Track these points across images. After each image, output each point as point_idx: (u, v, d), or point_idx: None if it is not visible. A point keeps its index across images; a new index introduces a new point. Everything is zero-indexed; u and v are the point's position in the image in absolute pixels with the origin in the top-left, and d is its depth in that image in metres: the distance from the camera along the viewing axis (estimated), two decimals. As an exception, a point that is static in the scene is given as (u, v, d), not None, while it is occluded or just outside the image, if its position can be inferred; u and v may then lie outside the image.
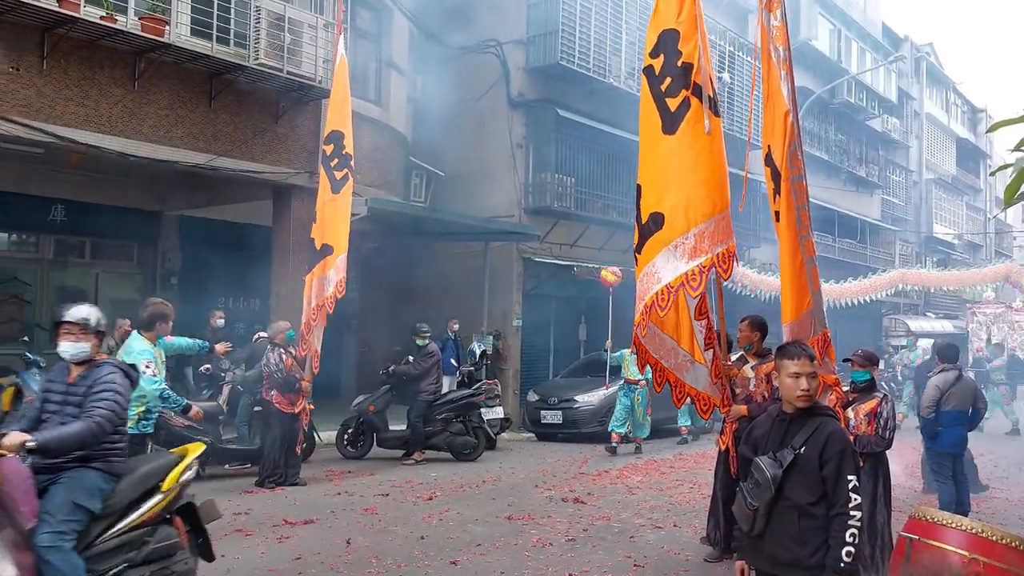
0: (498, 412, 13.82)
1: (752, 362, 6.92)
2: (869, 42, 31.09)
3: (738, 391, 6.74)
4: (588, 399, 14.62)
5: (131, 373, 4.86)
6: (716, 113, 5.85)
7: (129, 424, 6.53)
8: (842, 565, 3.48)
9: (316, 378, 10.14)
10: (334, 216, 9.81)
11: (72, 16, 9.98)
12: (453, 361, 15.27)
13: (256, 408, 10.51)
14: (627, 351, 12.36)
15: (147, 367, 6.76)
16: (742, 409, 6.47)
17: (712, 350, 6.30)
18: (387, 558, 6.79)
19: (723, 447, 6.76)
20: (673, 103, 5.83)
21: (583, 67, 17.30)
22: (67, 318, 4.80)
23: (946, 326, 30.45)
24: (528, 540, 7.46)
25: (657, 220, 5.77)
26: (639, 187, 6.03)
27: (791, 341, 4.40)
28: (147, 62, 11.22)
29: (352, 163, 10.01)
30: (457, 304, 16.79)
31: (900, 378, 19.08)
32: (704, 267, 5.55)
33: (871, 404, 6.48)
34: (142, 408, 6.84)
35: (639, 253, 5.90)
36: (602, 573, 6.57)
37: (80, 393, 4.61)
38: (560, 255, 17.88)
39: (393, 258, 17.76)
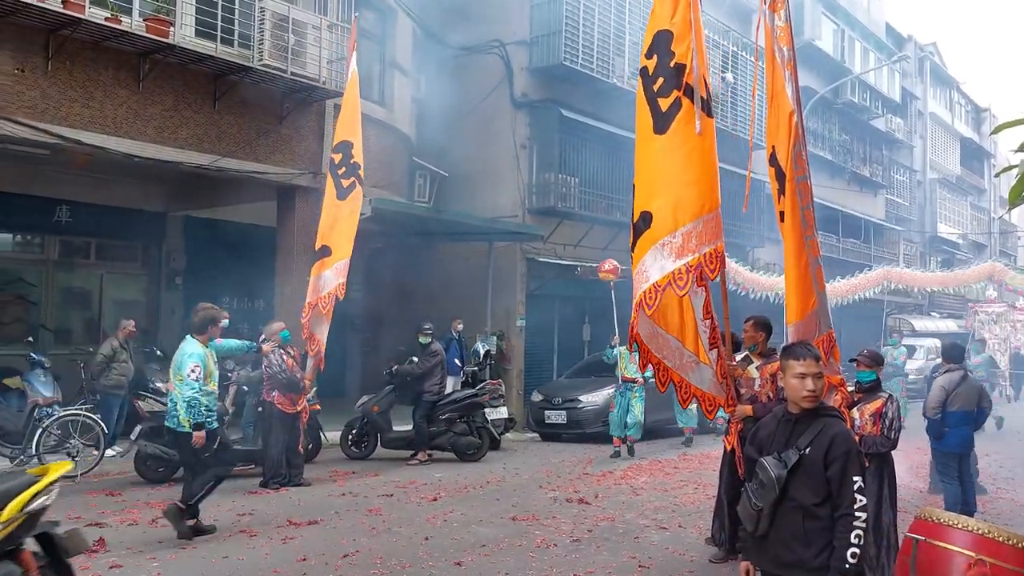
0: (502, 412, 13.82)
1: (757, 362, 6.92)
2: (873, 42, 31.06)
3: (743, 391, 6.74)
4: (592, 399, 14.60)
5: None
6: (709, 114, 5.83)
7: (191, 422, 7.25)
8: (847, 566, 3.47)
9: (320, 378, 10.15)
10: (338, 221, 9.95)
11: (77, 18, 10.00)
12: (457, 361, 15.26)
13: (258, 409, 10.53)
14: (623, 348, 12.14)
15: (192, 371, 7.26)
16: (747, 409, 6.46)
17: (716, 350, 6.29)
18: (391, 559, 6.80)
19: (728, 447, 6.75)
20: (665, 103, 5.84)
21: (587, 67, 17.31)
22: None
23: (950, 325, 30.37)
24: (533, 541, 7.46)
25: (646, 219, 5.79)
26: (634, 187, 6.07)
27: (797, 342, 4.39)
28: (151, 63, 11.24)
29: (360, 172, 10.12)
30: (461, 304, 16.79)
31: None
32: (691, 266, 5.55)
33: (876, 404, 6.47)
34: (203, 407, 7.37)
35: (633, 252, 5.94)
36: (607, 574, 6.57)
37: None
38: (564, 255, 17.88)
39: (397, 258, 17.77)
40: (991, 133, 14.11)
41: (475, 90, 17.62)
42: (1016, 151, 4.66)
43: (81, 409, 10.41)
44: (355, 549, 7.07)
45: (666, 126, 5.82)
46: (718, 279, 5.97)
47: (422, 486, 10.02)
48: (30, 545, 4.47)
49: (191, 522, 7.32)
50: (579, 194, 17.96)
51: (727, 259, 6.01)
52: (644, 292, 5.68)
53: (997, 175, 6.15)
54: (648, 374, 8.62)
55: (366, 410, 11.99)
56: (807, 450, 3.66)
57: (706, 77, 5.83)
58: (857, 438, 5.79)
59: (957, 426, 8.38)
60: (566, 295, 18.45)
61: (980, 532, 4.34)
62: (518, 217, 17.14)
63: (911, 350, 27.31)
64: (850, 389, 6.53)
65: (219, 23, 11.42)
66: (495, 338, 16.67)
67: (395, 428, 12.22)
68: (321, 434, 11.66)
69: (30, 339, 13.15)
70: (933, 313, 33.00)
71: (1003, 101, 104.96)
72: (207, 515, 8.21)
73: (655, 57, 5.94)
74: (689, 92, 5.76)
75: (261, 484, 9.69)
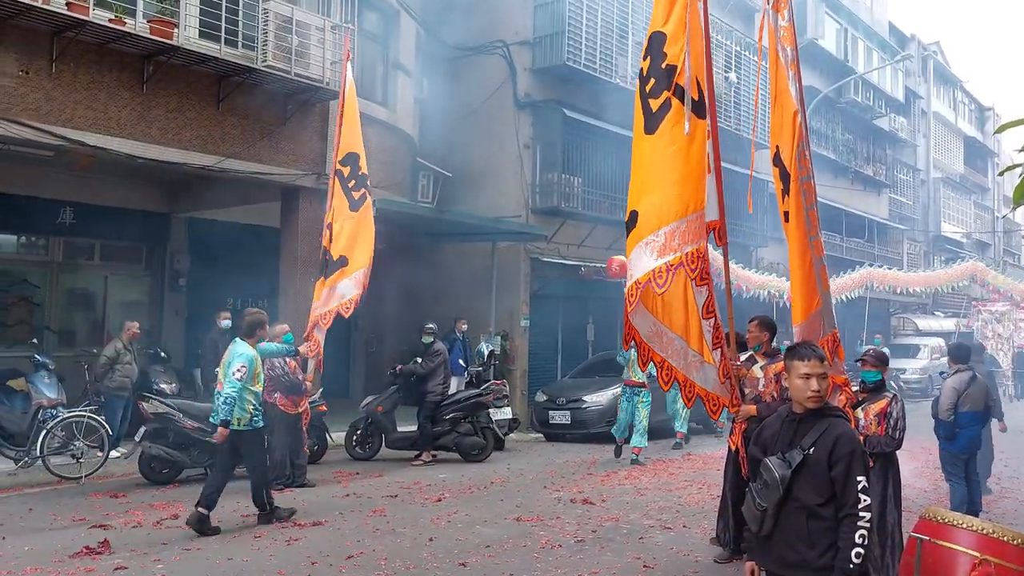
0: (506, 413, 13.82)
1: (761, 362, 6.92)
2: (876, 41, 31.02)
3: (747, 391, 6.74)
4: (597, 399, 14.59)
5: None
6: (701, 116, 5.81)
7: (243, 421, 7.69)
8: (851, 566, 3.47)
9: (324, 380, 10.15)
10: (357, 232, 9.97)
11: (81, 19, 10.03)
12: (461, 362, 15.27)
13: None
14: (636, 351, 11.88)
15: (238, 371, 7.64)
16: (751, 409, 6.46)
17: (720, 350, 6.29)
18: (395, 560, 6.80)
19: (733, 447, 6.75)
20: (655, 104, 5.86)
21: (590, 68, 17.32)
22: None
23: (954, 325, 30.34)
24: (537, 542, 7.46)
25: (634, 218, 5.83)
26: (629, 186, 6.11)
27: (801, 342, 4.38)
28: (155, 65, 11.26)
29: (369, 183, 10.17)
30: (464, 305, 16.81)
31: None
32: (672, 265, 5.55)
33: (881, 404, 6.46)
34: (252, 405, 7.79)
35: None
36: (611, 575, 6.57)
37: None
38: (567, 255, 17.88)
39: (401, 259, 17.75)
40: (995, 132, 14.06)
41: (478, 90, 17.64)
42: (1020, 150, 4.65)
43: (85, 411, 10.42)
44: (359, 550, 7.08)
45: (655, 126, 5.84)
46: (722, 281, 5.98)
47: (426, 487, 10.03)
48: None
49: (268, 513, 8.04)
50: (582, 194, 17.97)
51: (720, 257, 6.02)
52: (627, 289, 5.73)
53: (1001, 174, 6.11)
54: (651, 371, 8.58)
55: (370, 411, 12.00)
56: (811, 450, 3.65)
57: (700, 79, 5.80)
58: (861, 438, 5.80)
59: (968, 426, 8.38)
60: (570, 295, 18.45)
61: (985, 532, 4.33)
62: (522, 217, 17.14)
63: (914, 349, 27.34)
64: (855, 389, 6.53)
65: (223, 24, 11.42)
66: (499, 338, 16.67)
67: (400, 429, 12.22)
68: (327, 435, 11.67)
69: (34, 341, 13.17)
70: (937, 312, 32.97)
71: (1007, 100, 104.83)
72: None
73: (649, 59, 5.97)
74: (679, 93, 5.75)
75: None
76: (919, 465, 11.45)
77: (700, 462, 12.22)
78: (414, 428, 12.06)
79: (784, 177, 5.81)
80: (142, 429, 9.91)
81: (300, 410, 9.98)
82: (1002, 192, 45.36)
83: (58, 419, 10.02)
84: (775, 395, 6.59)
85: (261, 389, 8.06)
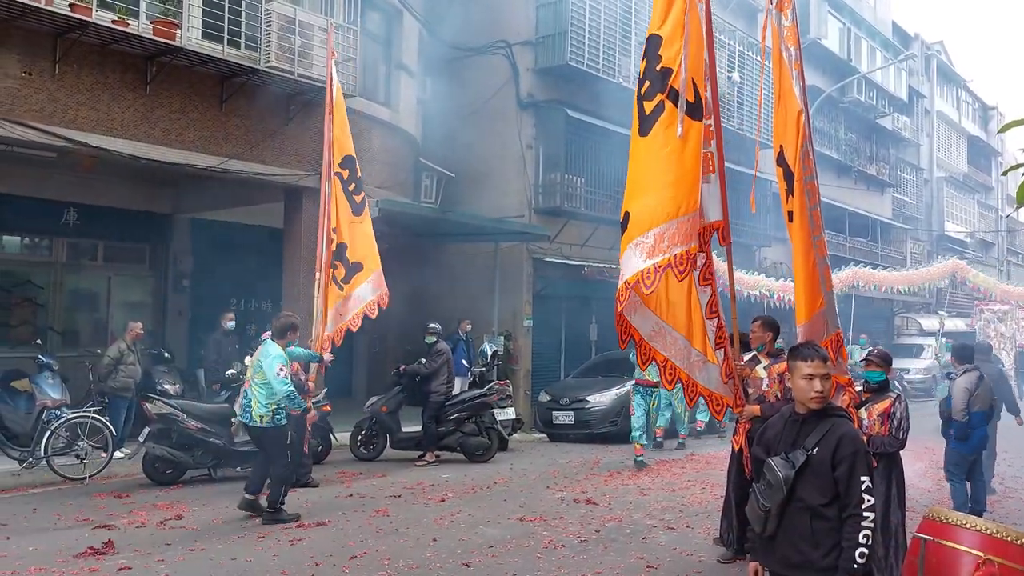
0: (510, 413, 13.82)
1: (765, 362, 6.92)
2: (879, 40, 30.98)
3: (751, 391, 6.73)
4: (600, 399, 14.59)
5: None
6: (696, 118, 5.79)
7: (266, 418, 7.98)
8: (855, 566, 3.46)
9: (327, 379, 10.17)
10: (365, 236, 10.13)
11: (84, 21, 10.04)
12: (464, 362, 15.27)
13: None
14: None
15: (280, 371, 7.97)
16: (755, 409, 6.46)
17: (723, 349, 6.29)
18: (399, 560, 6.80)
19: (737, 447, 6.74)
20: (649, 106, 5.87)
21: (592, 68, 17.31)
22: None
23: (959, 324, 30.30)
24: (540, 542, 7.46)
25: (627, 219, 5.83)
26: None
27: (804, 342, 4.38)
28: (158, 66, 11.27)
29: (363, 184, 10.32)
30: (467, 305, 16.81)
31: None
32: (660, 266, 5.54)
33: (884, 404, 6.45)
34: (274, 405, 8.05)
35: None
36: (614, 575, 6.56)
37: None
38: (570, 255, 17.88)
39: (404, 259, 17.74)
40: (998, 131, 14.04)
41: (481, 91, 17.63)
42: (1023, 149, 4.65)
43: (89, 411, 10.44)
44: (363, 550, 7.08)
45: (648, 129, 5.85)
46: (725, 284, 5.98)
47: (429, 487, 10.03)
48: None
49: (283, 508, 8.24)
50: (585, 194, 17.96)
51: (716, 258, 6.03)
52: (617, 290, 5.73)
53: (1004, 173, 6.10)
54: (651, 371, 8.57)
55: (375, 411, 12.00)
56: (814, 450, 3.65)
57: (696, 80, 5.79)
58: (865, 438, 5.79)
59: (978, 426, 8.38)
60: (573, 295, 18.44)
61: (989, 532, 4.32)
62: (524, 217, 17.14)
63: (918, 349, 27.30)
64: (858, 389, 6.52)
65: (226, 25, 11.44)
66: (502, 339, 16.67)
67: (404, 429, 12.23)
68: (331, 435, 11.68)
69: (38, 341, 13.19)
70: (941, 312, 32.91)
71: (1010, 99, 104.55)
72: (215, 516, 8.25)
73: (645, 61, 5.98)
74: (673, 95, 5.75)
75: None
76: (923, 465, 11.43)
77: (703, 462, 12.21)
78: (418, 428, 12.07)
79: (788, 177, 5.81)
80: (146, 430, 9.93)
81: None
82: (1006, 191, 45.30)
83: (62, 420, 10.04)
84: (779, 395, 6.60)
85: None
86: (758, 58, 21.24)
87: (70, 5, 9.94)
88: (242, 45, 11.75)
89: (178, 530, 7.69)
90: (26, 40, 10.13)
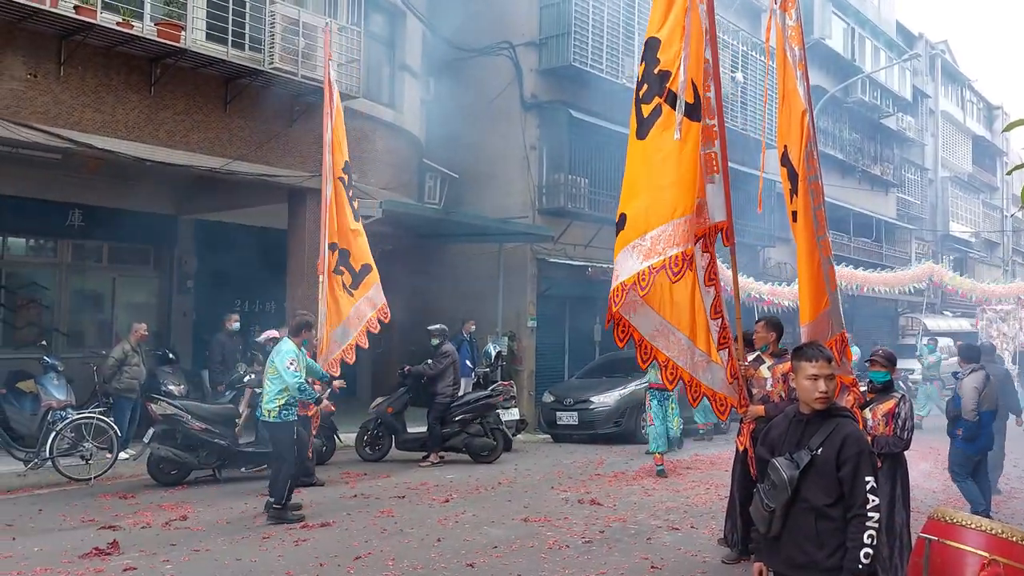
0: (514, 414, 13.83)
1: (769, 362, 6.91)
2: (883, 40, 30.93)
3: (755, 391, 6.73)
4: (604, 400, 14.58)
5: None
6: (695, 118, 5.78)
7: (273, 413, 8.08)
8: (860, 567, 3.46)
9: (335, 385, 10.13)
10: (364, 245, 10.12)
11: (89, 23, 10.06)
12: (468, 363, 15.28)
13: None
14: None
15: (291, 364, 8.11)
16: (759, 409, 6.44)
17: (727, 349, 6.28)
18: (403, 560, 6.81)
19: (741, 448, 6.73)
20: (647, 109, 5.87)
21: (596, 68, 17.31)
22: None
23: (963, 324, 30.21)
24: (544, 542, 7.46)
25: (623, 221, 5.83)
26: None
27: (808, 343, 4.37)
28: (163, 68, 11.30)
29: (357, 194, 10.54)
30: (471, 305, 16.81)
31: None
32: (655, 268, 5.55)
33: (889, 404, 6.44)
34: (283, 400, 8.16)
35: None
36: (619, 575, 6.56)
37: None
38: (574, 256, 17.88)
39: (408, 260, 17.79)
40: (1003, 130, 14.01)
41: (484, 91, 17.64)
42: (1027, 149, 4.65)
43: (94, 412, 10.47)
44: (367, 551, 7.09)
45: (646, 132, 5.85)
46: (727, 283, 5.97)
47: (434, 488, 10.03)
48: None
49: (295, 510, 8.35)
50: (589, 195, 17.96)
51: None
52: (612, 291, 5.72)
53: (1009, 173, 6.08)
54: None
55: (380, 412, 12.03)
56: (819, 451, 3.65)
57: (696, 82, 5.77)
58: (869, 438, 5.78)
59: (987, 426, 8.37)
60: (577, 296, 18.44)
61: (994, 532, 4.31)
62: (528, 218, 17.14)
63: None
64: (863, 389, 6.51)
65: (230, 27, 11.46)
66: (506, 339, 16.67)
67: (410, 430, 12.24)
68: (336, 436, 11.69)
69: (43, 343, 13.19)
70: (946, 312, 32.84)
71: (1015, 98, 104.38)
72: (220, 516, 8.26)
73: (643, 64, 5.98)
74: (671, 99, 5.74)
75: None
76: (928, 466, 11.41)
77: (708, 462, 12.21)
78: (424, 429, 12.08)
79: (792, 177, 5.80)
80: (150, 430, 9.96)
81: (309, 412, 9.98)
82: (1011, 191, 45.15)
83: (67, 420, 10.05)
84: (783, 395, 6.59)
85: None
86: (762, 58, 21.20)
87: (75, 7, 9.97)
88: (246, 47, 11.77)
89: (183, 530, 7.71)
90: (31, 42, 10.17)
